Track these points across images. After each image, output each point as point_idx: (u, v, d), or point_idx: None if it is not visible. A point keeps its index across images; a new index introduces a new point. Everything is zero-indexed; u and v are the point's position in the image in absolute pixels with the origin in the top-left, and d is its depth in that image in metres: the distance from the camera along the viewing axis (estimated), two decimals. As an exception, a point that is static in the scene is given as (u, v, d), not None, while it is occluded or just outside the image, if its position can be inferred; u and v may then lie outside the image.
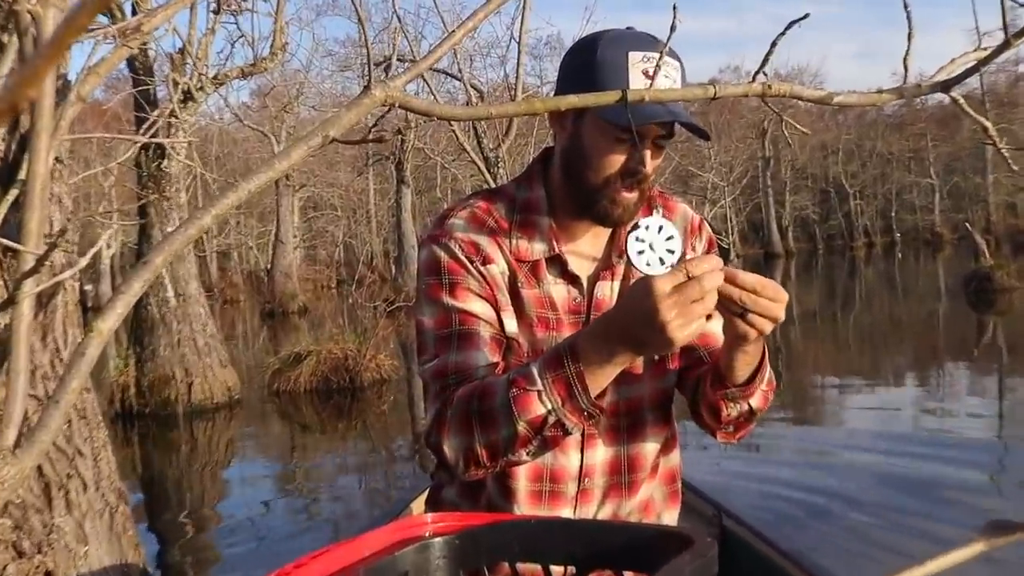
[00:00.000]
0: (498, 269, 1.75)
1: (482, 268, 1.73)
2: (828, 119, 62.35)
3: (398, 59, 19.10)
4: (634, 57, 1.65)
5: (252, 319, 28.55)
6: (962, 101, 1.81)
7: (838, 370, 11.22)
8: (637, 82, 1.63)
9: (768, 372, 1.66)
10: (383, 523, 1.59)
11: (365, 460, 7.67)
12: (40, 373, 2.25)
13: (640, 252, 1.54)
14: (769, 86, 1.80)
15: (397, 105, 1.81)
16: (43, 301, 2.14)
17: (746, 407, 1.68)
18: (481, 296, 1.72)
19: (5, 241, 2.08)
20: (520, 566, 1.47)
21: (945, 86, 1.77)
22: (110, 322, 1.85)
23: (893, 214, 65.57)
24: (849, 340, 14.50)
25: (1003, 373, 10.06)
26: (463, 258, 1.72)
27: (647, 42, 1.68)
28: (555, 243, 1.76)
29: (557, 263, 1.77)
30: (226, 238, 45.98)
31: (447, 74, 19.04)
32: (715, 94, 1.78)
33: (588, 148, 1.70)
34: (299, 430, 9.52)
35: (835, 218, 67.32)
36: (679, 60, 1.67)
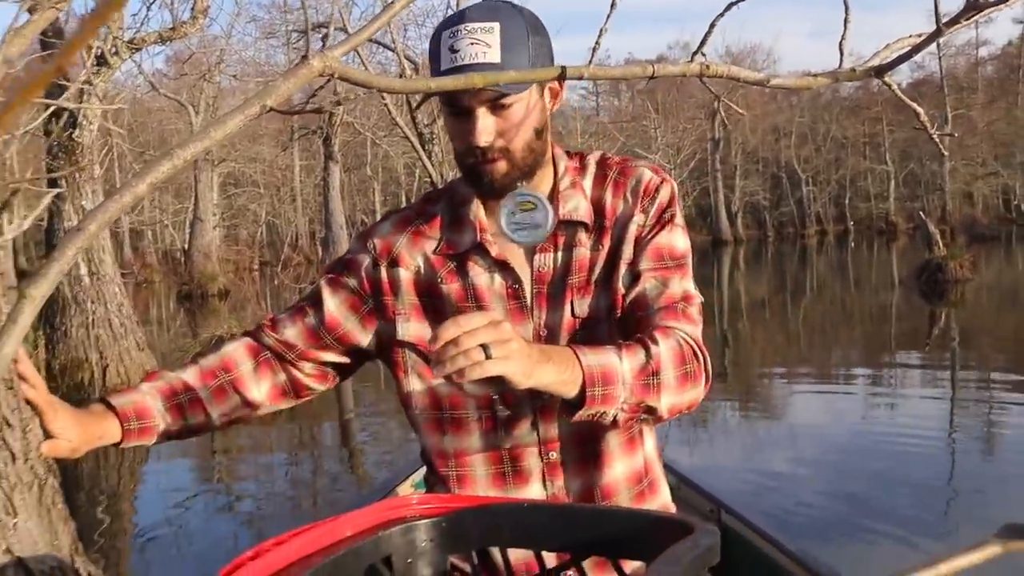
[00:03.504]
0: (407, 273, 1.87)
1: (388, 272, 1.88)
2: (781, 100, 62.87)
3: (321, 26, 19.02)
4: (444, 37, 1.72)
5: (168, 301, 28.29)
6: (895, 87, 1.94)
7: (787, 361, 11.44)
8: (446, 61, 1.71)
9: (605, 374, 1.55)
10: (367, 503, 1.59)
11: (290, 449, 7.73)
12: (-34, 343, 2.31)
13: (512, 220, 1.73)
14: (707, 67, 1.93)
15: (337, 76, 1.92)
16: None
17: (616, 413, 1.58)
18: (349, 298, 1.91)
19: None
20: (511, 552, 1.49)
21: (879, 71, 1.91)
22: (43, 288, 1.93)
23: (847, 201, 66.18)
24: (799, 331, 14.76)
25: (954, 366, 10.34)
26: (368, 262, 1.90)
27: (463, 16, 1.73)
28: (478, 232, 1.83)
29: (482, 251, 1.83)
30: (139, 215, 45.28)
31: (380, 44, 18.97)
32: (653, 74, 1.90)
33: (448, 130, 1.82)
34: (220, 417, 9.53)
35: (787, 204, 67.72)
36: (498, 20, 1.71)
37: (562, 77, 1.76)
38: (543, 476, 1.82)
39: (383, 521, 1.38)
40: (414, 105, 14.42)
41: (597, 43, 1.80)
